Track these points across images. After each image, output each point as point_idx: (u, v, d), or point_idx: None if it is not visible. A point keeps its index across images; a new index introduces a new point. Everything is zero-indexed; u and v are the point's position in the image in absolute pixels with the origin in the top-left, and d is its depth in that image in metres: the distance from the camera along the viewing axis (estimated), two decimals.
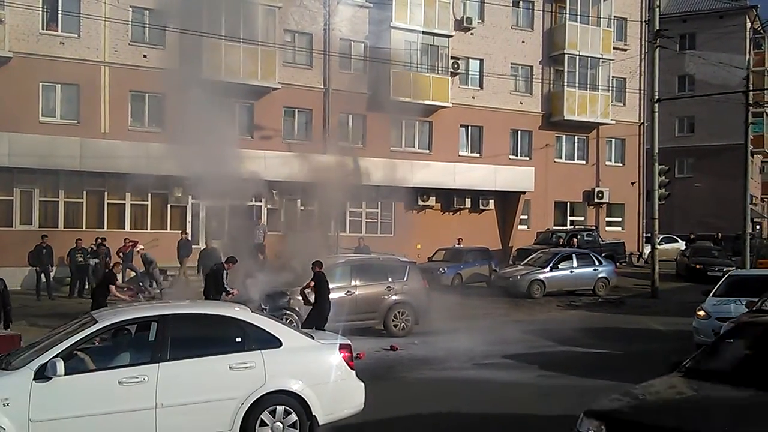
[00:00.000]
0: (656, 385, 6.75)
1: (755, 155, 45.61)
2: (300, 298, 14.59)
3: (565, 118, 32.88)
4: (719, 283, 15.12)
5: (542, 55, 33.20)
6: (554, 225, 33.06)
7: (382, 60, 27.64)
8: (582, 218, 34.83)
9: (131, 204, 24.98)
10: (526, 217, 32.60)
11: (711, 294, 14.61)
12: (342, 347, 8.37)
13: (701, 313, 13.97)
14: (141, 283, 22.40)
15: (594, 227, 33.01)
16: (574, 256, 24.72)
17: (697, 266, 28.17)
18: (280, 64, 26.58)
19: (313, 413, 7.86)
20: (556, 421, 9.40)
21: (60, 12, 23.98)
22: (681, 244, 35.39)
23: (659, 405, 6.33)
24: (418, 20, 29.07)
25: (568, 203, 34.51)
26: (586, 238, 29.39)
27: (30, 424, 6.83)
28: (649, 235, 27.64)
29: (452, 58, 30.34)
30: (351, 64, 28.39)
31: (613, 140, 35.57)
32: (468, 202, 30.69)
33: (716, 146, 42.82)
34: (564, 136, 34.28)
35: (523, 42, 32.70)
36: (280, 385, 7.79)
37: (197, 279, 20.60)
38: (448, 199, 30.22)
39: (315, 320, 13.61)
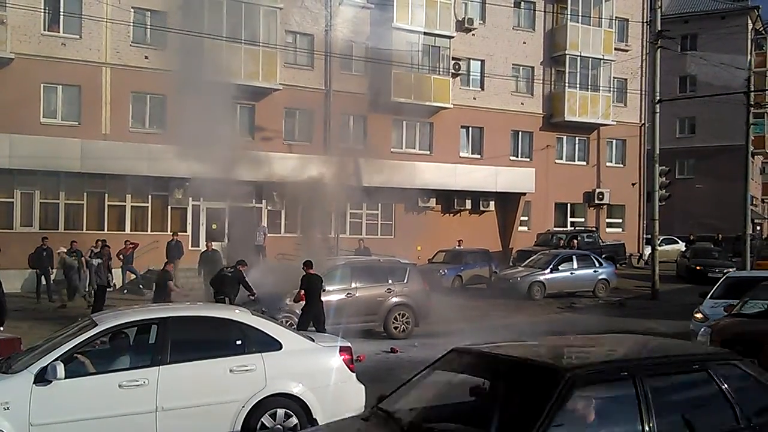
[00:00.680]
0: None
1: (756, 156, 45.59)
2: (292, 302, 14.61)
3: (566, 119, 32.87)
4: (717, 285, 15.08)
5: (543, 55, 33.19)
6: (555, 226, 33.05)
7: (383, 61, 27.63)
8: (582, 219, 34.81)
9: (132, 206, 24.99)
10: (526, 218, 32.58)
11: (708, 296, 14.56)
12: (342, 350, 8.37)
13: (698, 315, 13.91)
14: (141, 286, 22.44)
15: (594, 228, 32.98)
16: (574, 257, 24.71)
17: (698, 267, 28.14)
18: (281, 65, 26.58)
19: (314, 416, 7.85)
20: None
21: (61, 13, 23.98)
22: (681, 246, 35.34)
23: None
24: (419, 21, 29.05)
25: (569, 204, 34.49)
26: (586, 240, 29.37)
27: (30, 428, 6.83)
28: (649, 236, 27.62)
29: (453, 59, 30.33)
30: (352, 65, 28.38)
31: (614, 141, 35.56)
32: (468, 204, 30.67)
33: (717, 147, 42.78)
34: (565, 137, 34.26)
35: (524, 43, 32.70)
36: (281, 388, 7.79)
37: (198, 281, 20.61)
38: (449, 200, 30.21)
39: (304, 322, 13.58)
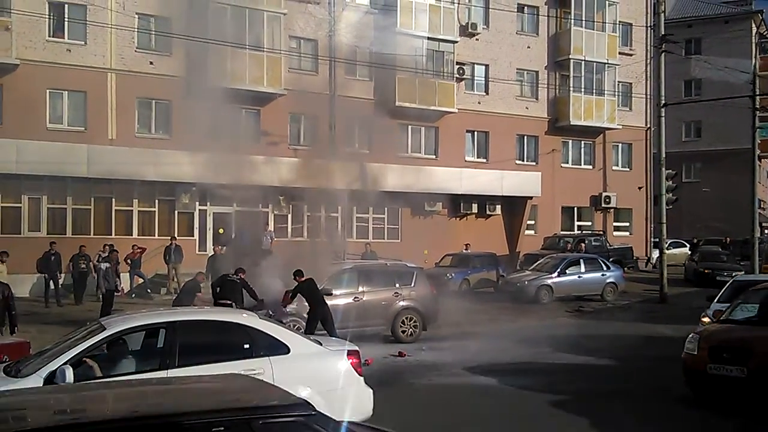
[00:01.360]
0: None
1: (763, 160, 45.44)
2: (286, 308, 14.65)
3: (572, 123, 32.84)
4: (724, 289, 14.99)
5: (548, 60, 33.19)
6: (561, 230, 32.96)
7: (387, 66, 27.65)
8: (589, 223, 34.74)
9: (139, 210, 25.03)
10: (533, 222, 32.54)
11: (716, 300, 14.48)
12: (350, 353, 8.33)
13: (705, 319, 13.81)
14: (149, 290, 22.48)
15: (602, 232, 32.93)
16: (581, 261, 24.64)
17: (706, 271, 28.05)
18: (285, 71, 26.62)
19: None
20: (567, 427, 9.36)
21: (66, 19, 24.08)
22: (688, 249, 35.27)
23: None
24: (423, 26, 29.09)
25: (576, 208, 34.43)
26: (593, 243, 29.32)
27: None
28: (656, 239, 27.54)
29: (458, 63, 30.34)
30: (356, 70, 28.41)
31: (620, 145, 35.51)
32: (475, 208, 30.64)
33: (723, 151, 42.72)
34: (570, 141, 34.23)
35: (528, 47, 32.70)
36: None
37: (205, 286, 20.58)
38: (455, 204, 30.18)
39: (312, 327, 13.64)
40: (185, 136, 23.34)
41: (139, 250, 22.97)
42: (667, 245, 25.67)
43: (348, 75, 28.08)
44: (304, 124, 28.04)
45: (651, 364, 13.27)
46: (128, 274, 22.46)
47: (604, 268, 24.73)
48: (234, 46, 24.41)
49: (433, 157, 30.42)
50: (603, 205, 34.53)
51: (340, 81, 27.53)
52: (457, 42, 30.25)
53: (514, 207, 31.33)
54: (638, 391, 11.22)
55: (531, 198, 31.22)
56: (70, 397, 5.28)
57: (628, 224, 35.68)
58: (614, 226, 35.22)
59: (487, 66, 31.69)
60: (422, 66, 29.17)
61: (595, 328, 18.30)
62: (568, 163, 34.16)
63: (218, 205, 25.93)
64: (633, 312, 22.07)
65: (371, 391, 8.34)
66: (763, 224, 42.13)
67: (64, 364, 6.99)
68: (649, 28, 34.55)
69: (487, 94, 31.77)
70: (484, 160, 31.72)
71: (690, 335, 10.74)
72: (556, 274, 23.72)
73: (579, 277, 24.05)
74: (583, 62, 33.03)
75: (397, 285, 16.71)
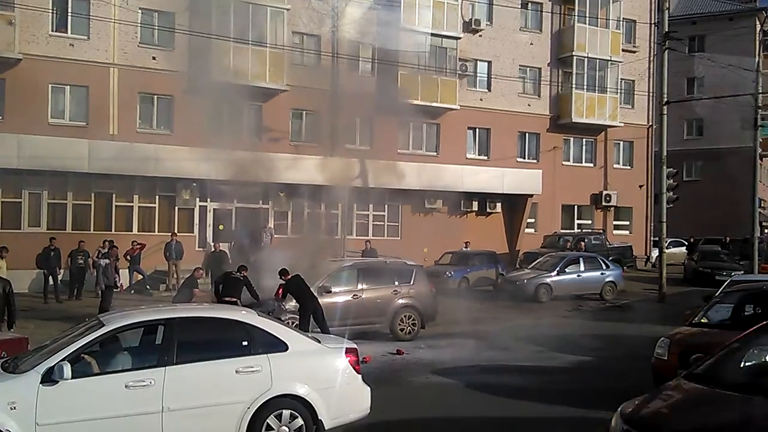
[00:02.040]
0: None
1: (764, 158, 45.35)
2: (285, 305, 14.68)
3: (573, 120, 32.81)
4: (721, 289, 14.97)
5: (550, 57, 33.14)
6: (562, 228, 32.96)
7: (390, 62, 27.63)
8: (589, 221, 34.72)
9: (139, 206, 25.05)
10: (533, 220, 32.53)
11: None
12: (348, 351, 8.36)
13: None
14: (148, 286, 22.52)
15: (601, 231, 32.92)
16: (581, 259, 24.65)
17: (705, 270, 28.03)
18: (288, 66, 26.60)
19: (319, 417, 7.86)
20: (563, 426, 9.39)
21: (69, 14, 24.05)
22: (685, 248, 35.23)
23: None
24: (426, 22, 29.02)
25: (576, 206, 34.40)
26: (593, 242, 29.31)
27: (37, 428, 6.86)
28: (656, 238, 27.53)
29: (460, 60, 30.31)
30: (359, 66, 28.38)
31: (621, 143, 35.47)
32: (475, 205, 30.64)
33: (725, 149, 42.61)
34: (572, 139, 34.20)
35: (531, 44, 32.65)
36: (287, 389, 7.80)
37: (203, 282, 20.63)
38: (455, 202, 30.15)
39: (305, 323, 13.68)
40: (187, 132, 23.40)
41: (138, 246, 23.00)
42: (666, 244, 25.65)
43: (350, 71, 28.04)
44: (305, 120, 28.03)
45: (649, 363, 13.27)
46: (128, 270, 22.49)
47: (604, 267, 24.74)
48: (237, 41, 24.41)
49: (434, 153, 30.40)
50: (603, 204, 34.50)
51: (342, 77, 27.53)
52: (460, 38, 30.21)
53: (514, 205, 31.33)
54: (636, 391, 11.20)
55: (531, 196, 31.21)
56: None
57: (628, 223, 35.65)
58: (614, 225, 35.18)
59: (489, 62, 31.65)
60: (425, 62, 29.11)
61: (593, 328, 18.31)
62: (569, 160, 34.13)
63: (218, 201, 25.96)
64: (632, 311, 22.07)
65: (369, 388, 8.37)
66: (763, 223, 42.11)
67: (63, 360, 7.03)
68: (652, 25, 34.46)
69: (490, 90, 31.73)
70: (485, 158, 31.70)
71: (661, 339, 10.50)
72: (555, 272, 23.73)
73: (578, 275, 24.06)
74: (586, 59, 32.97)
75: (397, 283, 16.71)
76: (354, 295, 15.99)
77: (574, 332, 17.15)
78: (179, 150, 23.71)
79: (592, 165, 34.69)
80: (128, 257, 22.50)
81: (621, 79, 34.30)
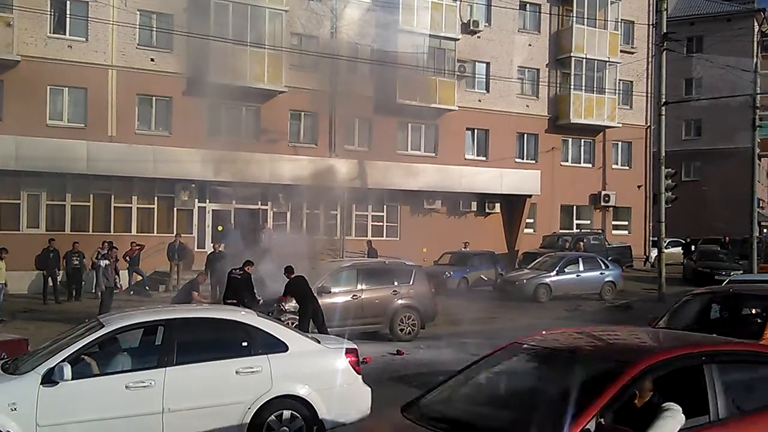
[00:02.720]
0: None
1: (762, 159, 45.41)
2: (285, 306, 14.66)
3: (572, 121, 32.83)
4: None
5: (549, 58, 33.17)
6: (560, 228, 32.98)
7: (388, 63, 27.63)
8: (588, 222, 34.74)
9: (138, 207, 25.04)
10: (532, 220, 32.54)
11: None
12: (348, 351, 8.35)
13: None
14: (147, 287, 22.51)
15: (600, 231, 32.93)
16: (580, 259, 24.67)
17: (704, 270, 28.04)
18: (286, 67, 26.60)
19: (320, 418, 7.84)
20: None
21: (68, 16, 24.04)
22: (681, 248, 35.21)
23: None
24: (424, 23, 29.02)
25: (575, 207, 34.43)
26: (592, 242, 29.32)
27: (37, 429, 6.84)
28: (655, 238, 27.54)
29: (459, 61, 30.30)
30: (357, 68, 28.37)
31: (620, 143, 35.50)
32: (474, 206, 30.66)
33: (723, 149, 42.65)
34: (570, 140, 34.23)
35: (529, 45, 32.67)
36: (287, 390, 7.79)
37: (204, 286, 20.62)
38: (454, 202, 30.17)
39: (304, 323, 13.65)
40: (185, 133, 23.39)
41: (137, 247, 22.99)
42: (665, 244, 25.66)
43: (349, 72, 28.04)
44: (304, 121, 28.03)
45: None
46: (127, 271, 22.48)
47: (603, 267, 24.76)
48: (235, 42, 24.42)
49: (433, 154, 30.40)
50: (602, 204, 34.53)
51: (341, 78, 27.53)
52: (458, 39, 30.22)
53: (513, 205, 31.34)
54: None
55: (530, 196, 31.22)
56: None
57: (627, 223, 35.68)
58: (613, 225, 35.22)
59: (488, 64, 31.67)
60: (423, 63, 29.12)
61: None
62: (567, 161, 34.15)
63: (217, 202, 25.97)
64: (631, 311, 22.05)
65: (369, 389, 8.36)
66: (762, 223, 42.15)
67: (63, 361, 7.02)
68: (650, 26, 34.50)
69: (488, 92, 31.75)
70: (484, 158, 31.71)
71: None
72: (554, 272, 23.74)
73: (577, 275, 24.08)
74: (584, 60, 33.00)
75: (396, 283, 16.71)
76: (353, 296, 15.99)
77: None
78: (178, 151, 23.72)
79: (590, 165, 34.71)
80: (127, 258, 22.48)
81: (619, 79, 34.35)
